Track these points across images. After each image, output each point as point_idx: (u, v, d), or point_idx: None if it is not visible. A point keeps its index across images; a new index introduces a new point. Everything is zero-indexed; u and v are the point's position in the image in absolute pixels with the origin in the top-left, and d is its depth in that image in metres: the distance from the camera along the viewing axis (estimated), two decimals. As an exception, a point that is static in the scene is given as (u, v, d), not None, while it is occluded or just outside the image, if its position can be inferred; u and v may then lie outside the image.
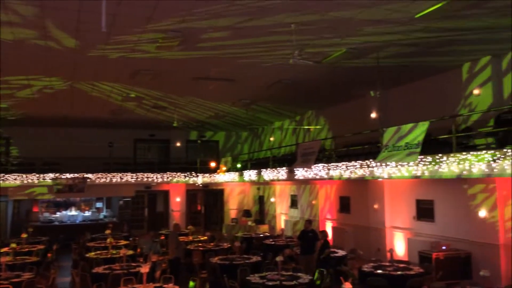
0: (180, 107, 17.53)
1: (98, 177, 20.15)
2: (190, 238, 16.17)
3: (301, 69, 11.38)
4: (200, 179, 22.03)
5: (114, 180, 20.48)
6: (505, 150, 7.92)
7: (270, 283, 9.01)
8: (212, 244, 14.92)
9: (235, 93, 15.44)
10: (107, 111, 17.89)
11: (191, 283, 9.46)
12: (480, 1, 7.56)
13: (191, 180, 22.05)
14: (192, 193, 24.25)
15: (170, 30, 8.79)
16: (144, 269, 8.83)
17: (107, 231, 15.36)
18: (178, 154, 24.08)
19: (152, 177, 21.28)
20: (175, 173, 21.79)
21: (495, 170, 8.06)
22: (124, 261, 11.20)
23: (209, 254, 12.64)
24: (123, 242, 15.37)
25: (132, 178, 20.87)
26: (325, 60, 10.95)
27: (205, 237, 16.04)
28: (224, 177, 21.31)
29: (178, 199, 23.50)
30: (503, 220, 10.56)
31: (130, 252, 13.16)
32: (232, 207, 24.49)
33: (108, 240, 13.46)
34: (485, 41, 9.91)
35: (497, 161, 8.01)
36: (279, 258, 9.71)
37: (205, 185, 23.17)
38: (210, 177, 22.13)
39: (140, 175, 21.06)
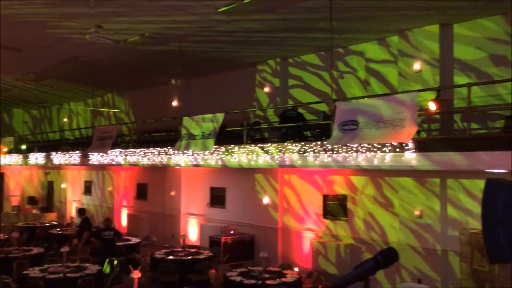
0: None
1: None
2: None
3: (100, 47, 10.69)
4: (-28, 161, 18.88)
5: None
6: (286, 143, 8.88)
7: (52, 276, 8.29)
8: (-17, 236, 12.99)
9: (22, 65, 13.63)
10: None
11: None
12: (271, 5, 8.30)
13: (-40, 162, 18.70)
14: (-39, 176, 20.63)
15: None
16: None
17: None
18: None
19: None
20: None
21: (276, 161, 8.98)
22: None
23: (-21, 248, 10.99)
24: None
25: None
26: (126, 41, 10.50)
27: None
28: (4, 160, 18.70)
29: None
30: (282, 207, 11.90)
31: None
32: (14, 193, 21.72)
33: None
34: (275, 43, 10.92)
35: (279, 153, 8.93)
36: (64, 249, 9.01)
37: (-20, 168, 19.96)
38: (-14, 159, 19.17)
39: None
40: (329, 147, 7.98)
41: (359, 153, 7.60)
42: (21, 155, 17.87)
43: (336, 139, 7.52)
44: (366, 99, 7.75)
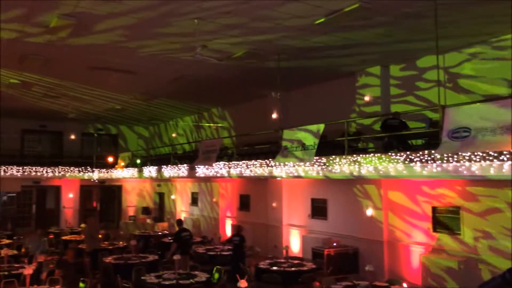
0: (76, 98, 16.47)
1: (-22, 170, 18.23)
2: (83, 236, 15.27)
3: (204, 65, 11.30)
4: (96, 175, 20.94)
5: (-3, 173, 18.66)
6: (389, 153, 8.57)
7: (167, 283, 8.83)
8: (106, 243, 14.28)
9: (136, 86, 14.91)
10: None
11: (81, 285, 8.92)
12: (370, 15, 8.14)
13: (86, 175, 20.86)
14: (86, 189, 22.96)
15: (63, 14, 8.20)
16: (28, 270, 8.19)
17: (-13, 230, 14.10)
18: (73, 147, 22.70)
19: (42, 171, 19.76)
20: (68, 167, 20.45)
21: (380, 172, 8.69)
22: (6, 262, 10.28)
23: (103, 254, 12.08)
24: (5, 242, 14.15)
25: (18, 171, 19.17)
26: (228, 58, 10.98)
27: (100, 236, 15.29)
28: (122, 173, 20.49)
29: (71, 195, 22.12)
30: (387, 219, 11.46)
31: (13, 252, 12.11)
32: (130, 204, 23.66)
33: (-12, 240, 12.38)
34: (376, 52, 10.67)
35: (383, 163, 8.64)
36: (176, 257, 9.56)
37: (102, 181, 22.07)
38: (107, 172, 21.15)
39: (27, 168, 19.42)
40: (438, 156, 7.54)
41: (472, 162, 7.07)
42: (136, 169, 19.41)
43: (446, 147, 7.09)
44: (479, 104, 7.21)
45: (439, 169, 7.59)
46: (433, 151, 7.64)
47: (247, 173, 12.67)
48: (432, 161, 7.69)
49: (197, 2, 7.65)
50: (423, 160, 7.84)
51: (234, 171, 13.19)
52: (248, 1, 7.60)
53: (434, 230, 10.47)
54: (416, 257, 10.66)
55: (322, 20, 8.36)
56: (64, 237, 16.27)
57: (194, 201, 20.28)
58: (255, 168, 12.33)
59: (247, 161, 12.69)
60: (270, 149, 13.27)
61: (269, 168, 11.81)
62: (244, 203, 17.31)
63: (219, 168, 13.76)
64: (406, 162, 8.16)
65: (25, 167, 19.47)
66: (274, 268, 10.12)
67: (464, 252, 9.78)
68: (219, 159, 13.93)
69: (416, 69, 11.30)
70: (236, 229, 12.04)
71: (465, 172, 7.17)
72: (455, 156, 7.28)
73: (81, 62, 11.81)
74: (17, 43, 9.99)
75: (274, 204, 15.35)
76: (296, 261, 10.87)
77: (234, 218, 17.83)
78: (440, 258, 9.96)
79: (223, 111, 18.90)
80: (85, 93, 15.78)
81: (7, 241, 14.33)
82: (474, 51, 9.97)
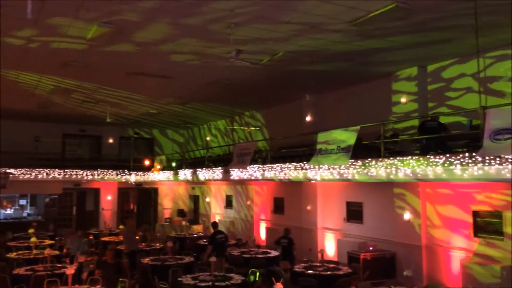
0: (113, 103, 16.93)
1: (22, 173, 18.94)
2: (121, 238, 15.66)
3: (239, 69, 11.40)
4: (133, 177, 21.42)
5: (39, 176, 19.35)
6: (428, 156, 8.38)
7: (203, 284, 8.94)
8: (143, 244, 14.58)
9: (172, 91, 15.17)
10: (33, 104, 16.90)
11: (120, 285, 9.16)
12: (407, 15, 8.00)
13: (123, 178, 21.37)
14: (124, 191, 23.51)
15: (102, 22, 8.46)
16: (70, 270, 8.49)
17: (31, 230, 14.66)
18: (111, 151, 23.32)
19: (82, 174, 20.39)
20: (106, 170, 21.02)
21: (418, 175, 8.50)
22: (49, 262, 10.69)
23: (140, 255, 12.36)
24: (48, 242, 14.70)
25: (59, 174, 19.85)
26: (262, 62, 11.03)
27: (137, 237, 15.64)
28: (158, 176, 20.86)
29: (109, 198, 22.70)
30: (426, 223, 11.19)
31: (56, 252, 12.58)
32: (166, 206, 24.05)
33: (32, 240, 12.87)
34: (412, 52, 10.47)
35: (420, 166, 8.45)
36: (212, 259, 9.67)
37: (138, 184, 22.55)
38: (144, 175, 21.60)
39: (68, 171, 20.08)
40: (480, 159, 7.32)
41: (516, 164, 6.83)
42: (171, 172, 19.72)
43: (488, 149, 6.87)
44: (522, 104, 6.97)
45: (480, 172, 7.36)
46: (474, 154, 7.43)
47: (281, 176, 12.66)
48: (473, 164, 7.47)
49: (230, 7, 7.73)
50: (464, 163, 7.63)
51: (268, 174, 13.21)
52: (280, 5, 7.61)
53: (475, 234, 10.15)
54: (456, 262, 10.36)
55: (357, 21, 8.28)
56: (103, 238, 16.73)
57: (229, 203, 20.41)
58: (289, 171, 12.30)
59: (281, 164, 12.68)
60: (305, 152, 13.23)
61: (303, 171, 11.76)
62: (278, 206, 17.30)
63: (253, 171, 13.81)
64: (446, 165, 7.96)
65: (66, 170, 20.12)
66: (310, 271, 10.08)
67: (507, 258, 9.43)
68: (253, 162, 13.98)
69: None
70: (284, 231, 12.45)
71: (508, 175, 6.94)
72: (497, 159, 7.05)
73: (119, 67, 12.13)
74: (59, 51, 10.37)
75: (308, 207, 15.27)
76: (331, 265, 10.78)
77: (268, 221, 17.84)
78: (481, 264, 9.64)
79: (257, 114, 18.95)
80: (122, 98, 16.18)
81: (50, 242, 14.87)
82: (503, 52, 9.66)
